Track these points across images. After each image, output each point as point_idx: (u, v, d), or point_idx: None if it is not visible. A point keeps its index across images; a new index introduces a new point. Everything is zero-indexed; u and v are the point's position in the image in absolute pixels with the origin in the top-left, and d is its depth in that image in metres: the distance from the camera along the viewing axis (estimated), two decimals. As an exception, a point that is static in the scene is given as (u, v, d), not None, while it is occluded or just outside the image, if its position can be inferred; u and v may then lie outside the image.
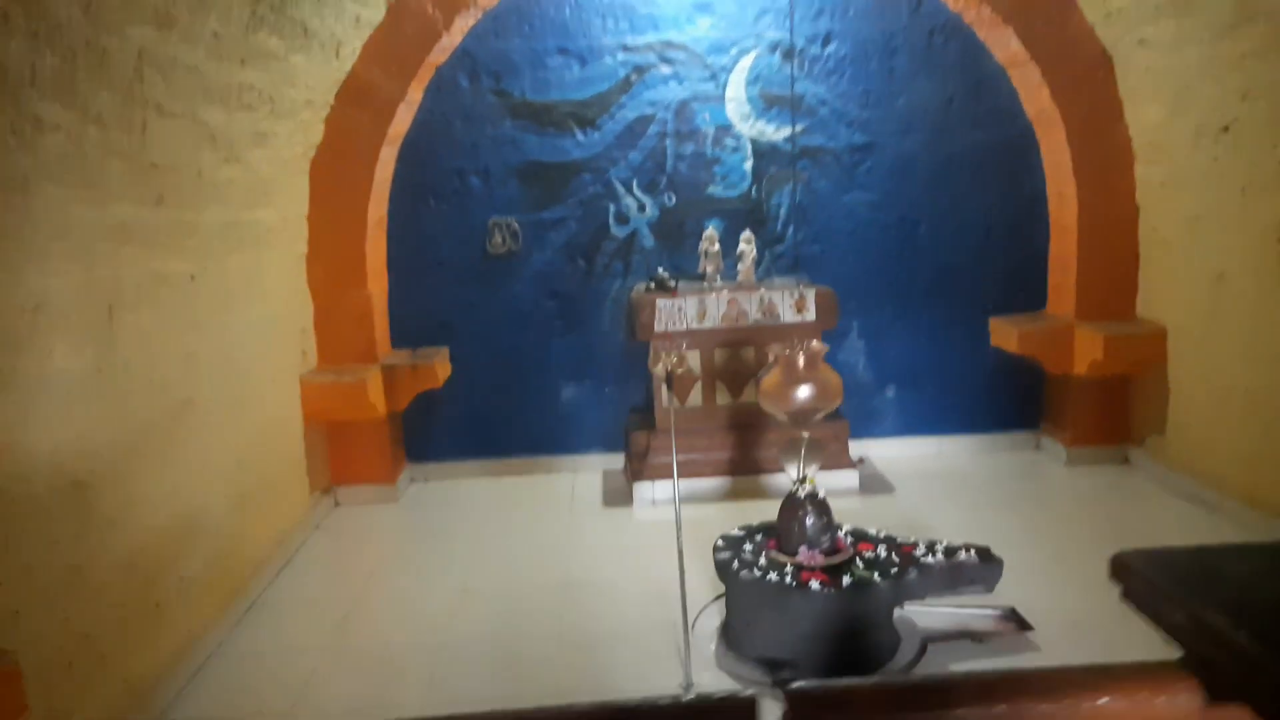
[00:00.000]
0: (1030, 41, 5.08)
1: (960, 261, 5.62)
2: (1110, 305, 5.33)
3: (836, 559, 3.42)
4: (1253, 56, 4.07)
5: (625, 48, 5.32)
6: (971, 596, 3.56)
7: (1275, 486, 4.23)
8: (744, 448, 5.19)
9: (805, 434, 3.55)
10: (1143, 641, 2.94)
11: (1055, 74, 5.11)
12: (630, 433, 5.33)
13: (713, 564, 3.55)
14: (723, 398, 5.19)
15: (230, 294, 4.04)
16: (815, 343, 3.42)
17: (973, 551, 3.53)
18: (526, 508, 5.18)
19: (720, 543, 3.64)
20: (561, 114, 5.37)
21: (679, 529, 3.28)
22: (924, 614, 3.64)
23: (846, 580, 3.27)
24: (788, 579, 3.29)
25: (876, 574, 3.33)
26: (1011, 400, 5.80)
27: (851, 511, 4.61)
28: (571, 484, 5.54)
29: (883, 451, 5.73)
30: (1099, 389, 5.38)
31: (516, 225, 5.46)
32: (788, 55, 5.38)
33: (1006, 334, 5.47)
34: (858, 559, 3.44)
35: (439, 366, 5.24)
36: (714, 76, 5.38)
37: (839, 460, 5.21)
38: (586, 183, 5.45)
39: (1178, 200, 4.87)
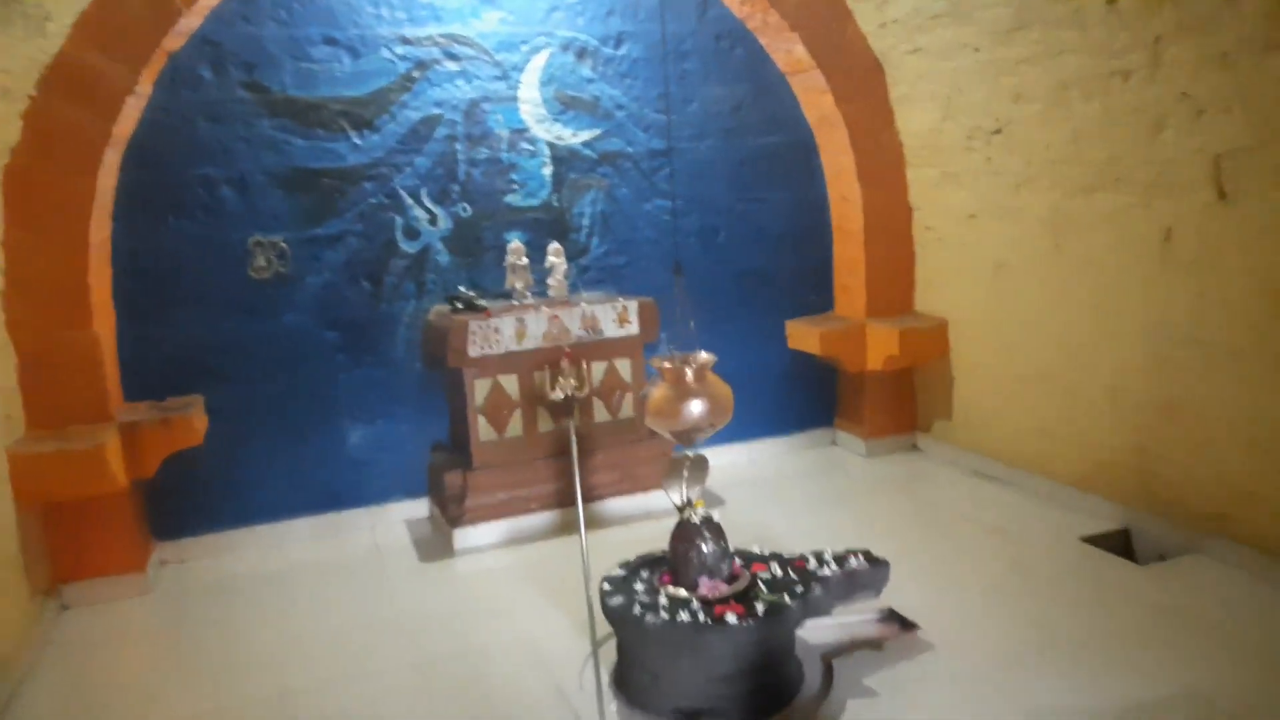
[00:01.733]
0: (814, 48, 5.20)
1: (757, 267, 5.63)
2: (894, 302, 5.60)
3: (738, 586, 3.13)
4: (1027, 62, 4.41)
5: (404, 40, 4.70)
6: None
7: (1065, 457, 4.61)
8: (570, 476, 4.76)
9: (689, 454, 3.23)
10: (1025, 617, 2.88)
11: (837, 80, 5.27)
12: (440, 472, 4.69)
13: (581, 609, 3.10)
14: (544, 424, 4.73)
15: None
16: (704, 354, 3.12)
17: (860, 557, 3.41)
18: (327, 576, 4.36)
19: (607, 585, 3.20)
20: (332, 113, 4.63)
21: (587, 572, 2.80)
22: (810, 630, 3.46)
23: (760, 608, 2.99)
24: (700, 617, 2.94)
25: (785, 595, 3.08)
26: (807, 400, 5.91)
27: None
28: (373, 541, 4.78)
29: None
30: (890, 382, 5.63)
31: (284, 244, 4.62)
32: (581, 55, 5.06)
33: (806, 336, 5.56)
34: (759, 582, 3.17)
35: (195, 418, 4.26)
36: (505, 75, 4.93)
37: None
38: (367, 192, 4.75)
39: (953, 199, 5.21)
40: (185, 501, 4.58)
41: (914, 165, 5.44)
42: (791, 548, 3.53)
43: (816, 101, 5.45)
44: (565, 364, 2.28)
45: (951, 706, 2.95)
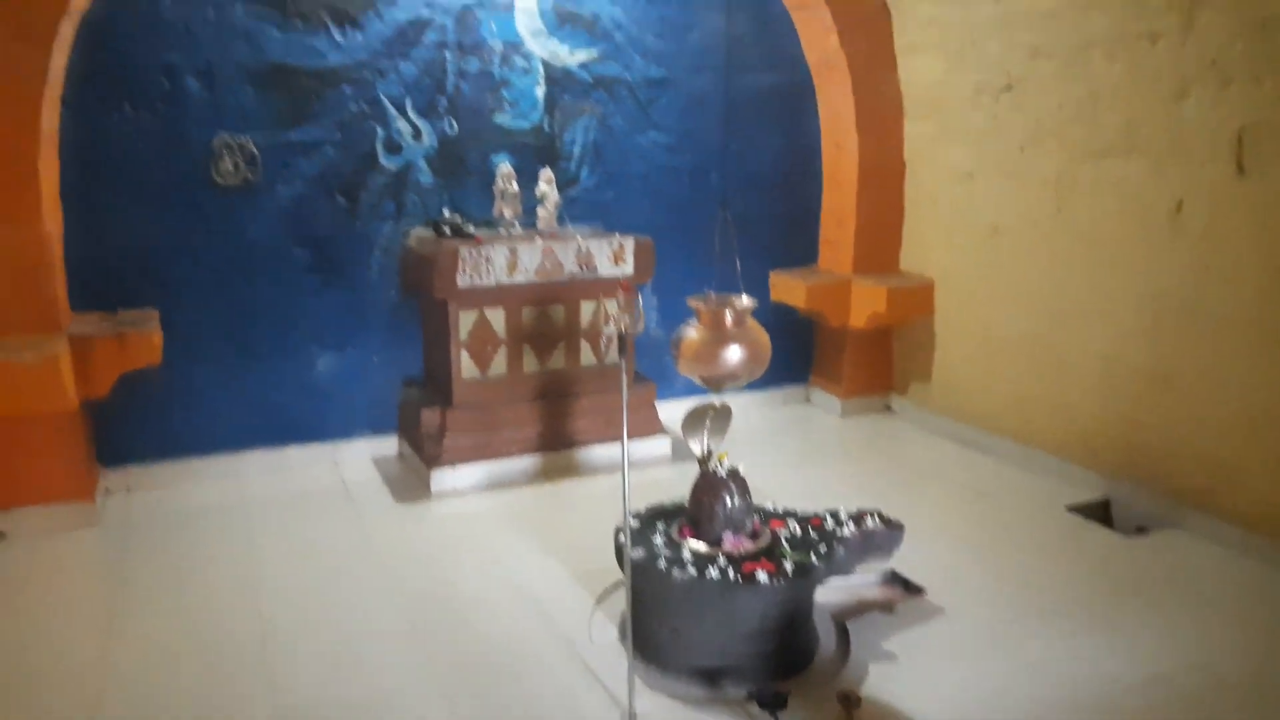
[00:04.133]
0: (822, -19, 4.97)
1: (746, 213, 5.44)
2: (880, 259, 5.52)
3: (762, 543, 3.02)
4: (1050, 16, 4.30)
5: (395, -70, 4.28)
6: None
7: (1047, 425, 4.64)
8: (554, 419, 4.57)
9: (717, 402, 3.07)
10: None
11: (844, 18, 5.07)
12: (415, 409, 4.42)
13: (576, 559, 2.94)
14: (530, 364, 4.50)
15: None
16: (745, 296, 2.94)
17: (877, 518, 3.33)
18: (292, 512, 4.07)
19: (624, 537, 3.04)
20: (313, 3, 4.19)
21: (626, 519, 2.63)
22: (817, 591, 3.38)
23: (789, 567, 2.88)
24: (729, 574, 2.81)
25: (811, 554, 2.98)
26: (783, 354, 5.78)
27: (668, 482, 4.26)
28: (339, 477, 4.49)
29: (673, 413, 5.42)
30: (870, 341, 5.58)
31: (254, 147, 4.20)
32: (582, -33, 4.72)
33: (791, 289, 5.43)
34: (781, 540, 3.06)
35: (152, 335, 3.87)
36: (502, -19, 4.56)
37: (649, 426, 4.82)
38: (347, 97, 4.35)
39: (949, 156, 5.12)
40: (132, 425, 4.19)
41: (912, 118, 5.32)
42: (786, 505, 3.43)
43: (820, 41, 5.24)
44: (621, 297, 2.08)
45: (972, 671, 2.92)
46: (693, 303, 2.94)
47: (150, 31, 3.92)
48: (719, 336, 2.89)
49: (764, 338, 2.98)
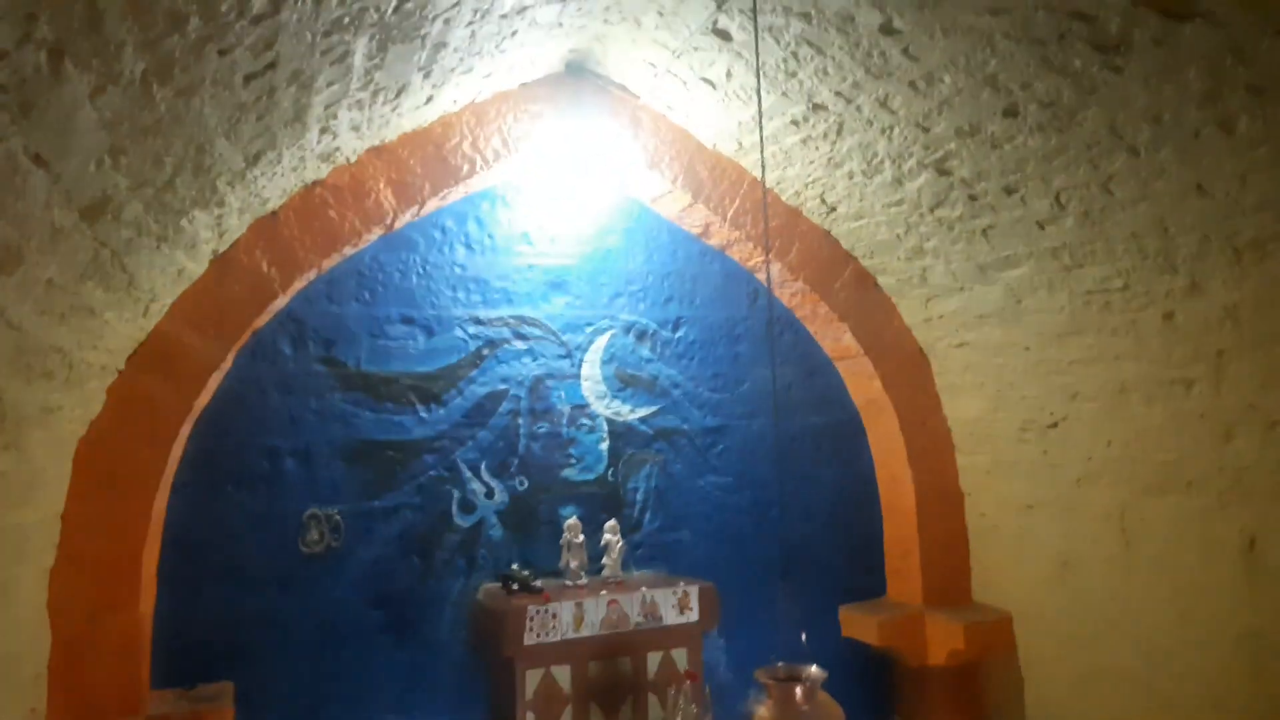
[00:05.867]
0: (861, 336, 5.40)
1: (808, 547, 5.49)
2: (950, 591, 5.42)
3: None
4: (1081, 363, 4.57)
5: (477, 320, 4.87)
6: None
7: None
8: (626, 783, 4.34)
9: (793, 780, 2.94)
10: None
11: (885, 366, 5.44)
12: (480, 776, 4.27)
13: None
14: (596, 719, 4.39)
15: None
16: (815, 669, 2.92)
17: None
18: None
19: None
20: (403, 387, 4.69)
21: None
22: None
23: None
24: None
25: None
26: (865, 692, 5.54)
27: None
28: None
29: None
30: (954, 678, 5.31)
31: (339, 517, 4.50)
32: (641, 337, 5.25)
33: (862, 625, 5.31)
34: None
35: (225, 712, 3.91)
36: (569, 354, 5.07)
37: (725, 786, 4.52)
38: (428, 465, 4.70)
39: (1006, 487, 5.20)
40: (195, 803, 4.10)
41: (964, 451, 5.49)
42: None
43: (864, 386, 5.59)
44: (688, 686, 2.10)
45: None
46: (760, 677, 2.93)
47: (258, 420, 4.39)
48: (789, 714, 2.84)
49: (837, 711, 2.91)
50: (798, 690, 2.85)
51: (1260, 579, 3.84)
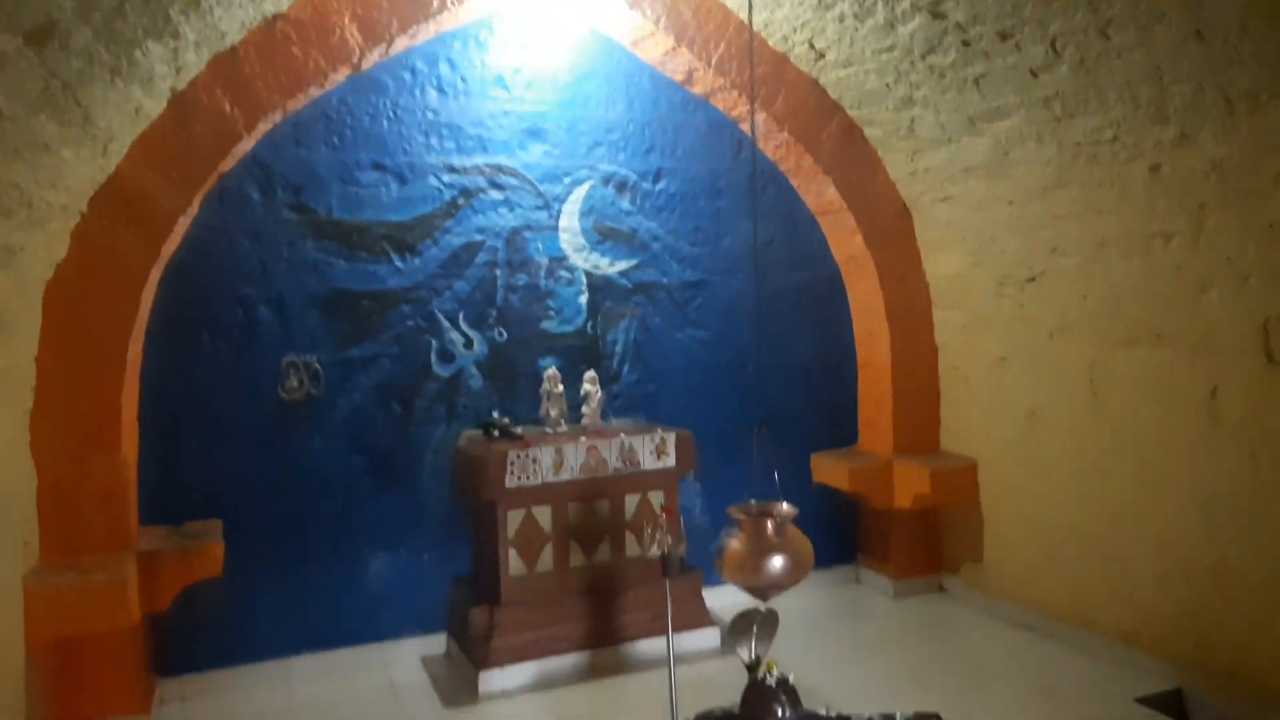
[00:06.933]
0: (845, 190, 5.33)
1: (782, 400, 5.59)
2: (920, 440, 5.59)
3: (816, 758, 2.96)
4: (1064, 218, 4.54)
5: (451, 168, 4.74)
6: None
7: (1107, 611, 4.51)
8: (602, 615, 4.57)
9: (763, 606, 3.10)
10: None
11: (867, 222, 5.39)
12: (464, 609, 4.47)
13: None
14: (576, 558, 4.57)
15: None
16: (785, 505, 3.03)
17: (931, 724, 3.25)
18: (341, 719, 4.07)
19: (674, 756, 3.00)
20: (376, 236, 4.61)
21: None
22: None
23: (845, 786, 2.81)
24: (784, 796, 2.75)
25: (868, 771, 2.90)
26: (830, 535, 5.79)
27: (718, 678, 4.18)
28: (388, 679, 4.50)
29: (717, 601, 5.38)
30: (918, 521, 5.56)
31: (318, 365, 4.51)
32: (621, 189, 5.14)
33: (833, 470, 5.50)
34: (836, 754, 3.00)
35: (214, 547, 4.04)
36: (547, 206, 4.98)
37: (696, 618, 4.78)
38: (405, 315, 4.68)
39: (981, 342, 5.27)
40: (188, 634, 4.29)
41: (941, 307, 5.53)
42: (838, 705, 3.35)
43: (846, 242, 5.56)
44: (664, 519, 2.19)
45: None
46: (733, 512, 3.03)
47: (229, 268, 4.33)
48: (761, 546, 2.96)
49: (806, 546, 3.04)
50: (769, 524, 2.97)
51: (1218, 429, 3.97)
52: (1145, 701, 4.04)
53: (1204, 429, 4.02)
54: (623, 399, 5.20)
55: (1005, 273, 5.00)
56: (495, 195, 4.85)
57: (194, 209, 4.14)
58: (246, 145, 4.25)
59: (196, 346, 4.31)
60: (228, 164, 4.20)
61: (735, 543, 3.00)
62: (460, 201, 4.77)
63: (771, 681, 3.01)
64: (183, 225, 4.11)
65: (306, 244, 4.48)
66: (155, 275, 4.05)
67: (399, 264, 4.66)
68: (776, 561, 2.95)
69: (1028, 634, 4.88)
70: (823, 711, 3.29)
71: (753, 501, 3.12)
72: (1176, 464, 4.15)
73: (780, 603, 4.72)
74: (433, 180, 4.70)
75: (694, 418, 5.16)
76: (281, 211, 4.43)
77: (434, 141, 4.70)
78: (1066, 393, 4.73)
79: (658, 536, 2.48)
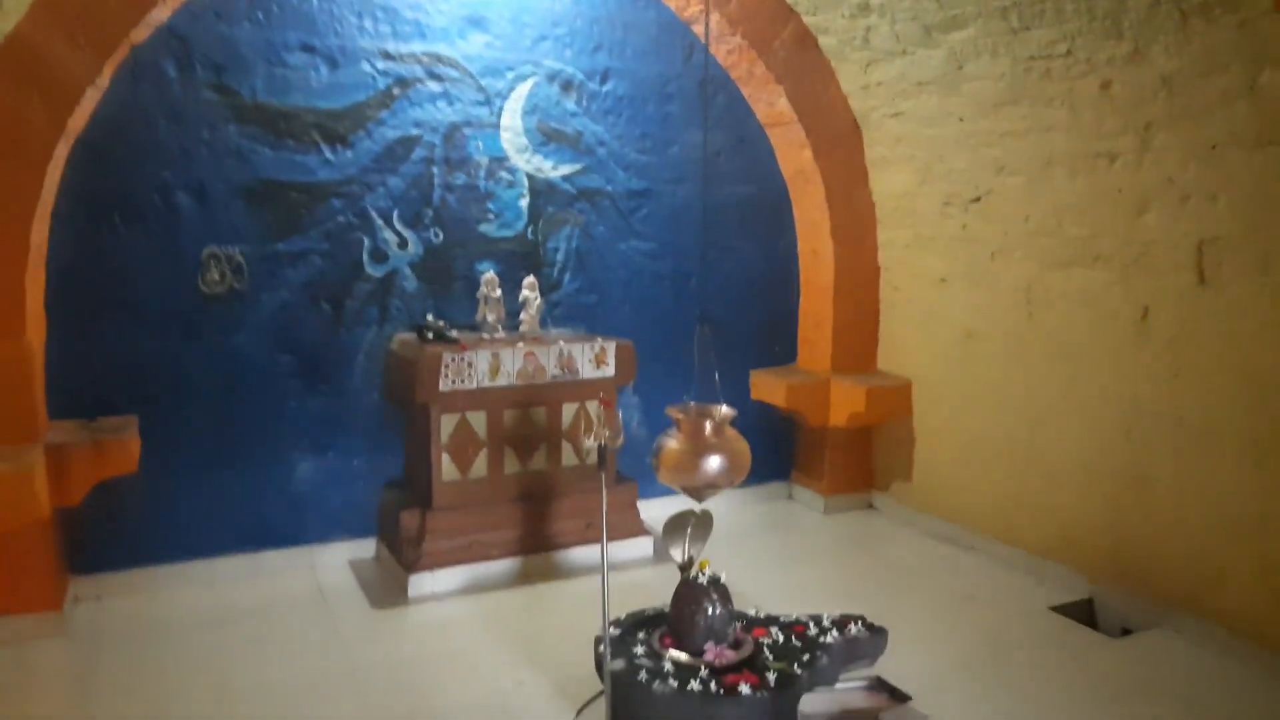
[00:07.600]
0: (797, 102, 5.21)
1: (724, 315, 5.54)
2: (857, 359, 5.62)
3: (744, 652, 2.99)
4: (1011, 135, 4.52)
5: (386, 54, 4.48)
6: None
7: (1029, 524, 4.66)
8: (536, 521, 4.55)
9: (698, 509, 3.09)
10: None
11: (817, 135, 5.30)
12: (395, 512, 4.39)
13: (555, 667, 2.89)
14: (511, 465, 4.51)
15: None
16: (724, 407, 2.99)
17: (860, 624, 3.32)
18: (266, 621, 3.99)
19: (604, 647, 3.00)
20: (305, 124, 4.35)
21: (606, 633, 2.61)
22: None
23: (771, 678, 2.85)
24: (711, 686, 2.77)
25: (794, 664, 2.95)
26: (765, 451, 5.82)
27: (651, 584, 4.25)
28: (315, 582, 4.42)
29: (654, 512, 5.41)
30: (851, 438, 5.63)
31: (241, 258, 4.28)
32: (566, 88, 4.94)
33: (771, 387, 5.51)
34: (764, 650, 3.04)
35: (130, 443, 3.86)
36: (488, 101, 4.76)
37: (631, 528, 4.80)
38: (335, 209, 4.47)
39: (923, 262, 5.28)
40: (105, 532, 4.13)
41: (886, 226, 5.50)
42: (766, 609, 3.41)
43: (794, 155, 5.46)
44: (602, 411, 2.14)
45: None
46: (672, 412, 2.99)
47: (144, 150, 4.05)
48: (699, 446, 2.93)
49: (743, 447, 3.02)
50: (707, 425, 2.93)
51: (1147, 347, 4.05)
52: (1059, 610, 4.20)
53: (1133, 347, 4.10)
54: (563, 308, 5.09)
55: (952, 192, 4.98)
56: (433, 87, 4.61)
57: (104, 81, 3.84)
58: (161, 14, 3.94)
59: (110, 233, 4.05)
60: (141, 34, 3.89)
61: (673, 443, 2.97)
62: (395, 91, 4.52)
63: (703, 580, 3.02)
64: (92, 98, 3.81)
65: (229, 128, 4.21)
66: (62, 151, 3.76)
67: (329, 155, 4.42)
68: (713, 461, 2.93)
69: (952, 547, 5.02)
70: (751, 612, 3.34)
71: (691, 403, 3.07)
72: (1102, 379, 4.25)
73: (714, 515, 4.76)
74: (366, 66, 4.44)
75: (636, 330, 5.08)
76: (202, 91, 4.14)
77: (368, 24, 4.42)
78: (1004, 314, 4.78)
79: (595, 426, 2.42)
